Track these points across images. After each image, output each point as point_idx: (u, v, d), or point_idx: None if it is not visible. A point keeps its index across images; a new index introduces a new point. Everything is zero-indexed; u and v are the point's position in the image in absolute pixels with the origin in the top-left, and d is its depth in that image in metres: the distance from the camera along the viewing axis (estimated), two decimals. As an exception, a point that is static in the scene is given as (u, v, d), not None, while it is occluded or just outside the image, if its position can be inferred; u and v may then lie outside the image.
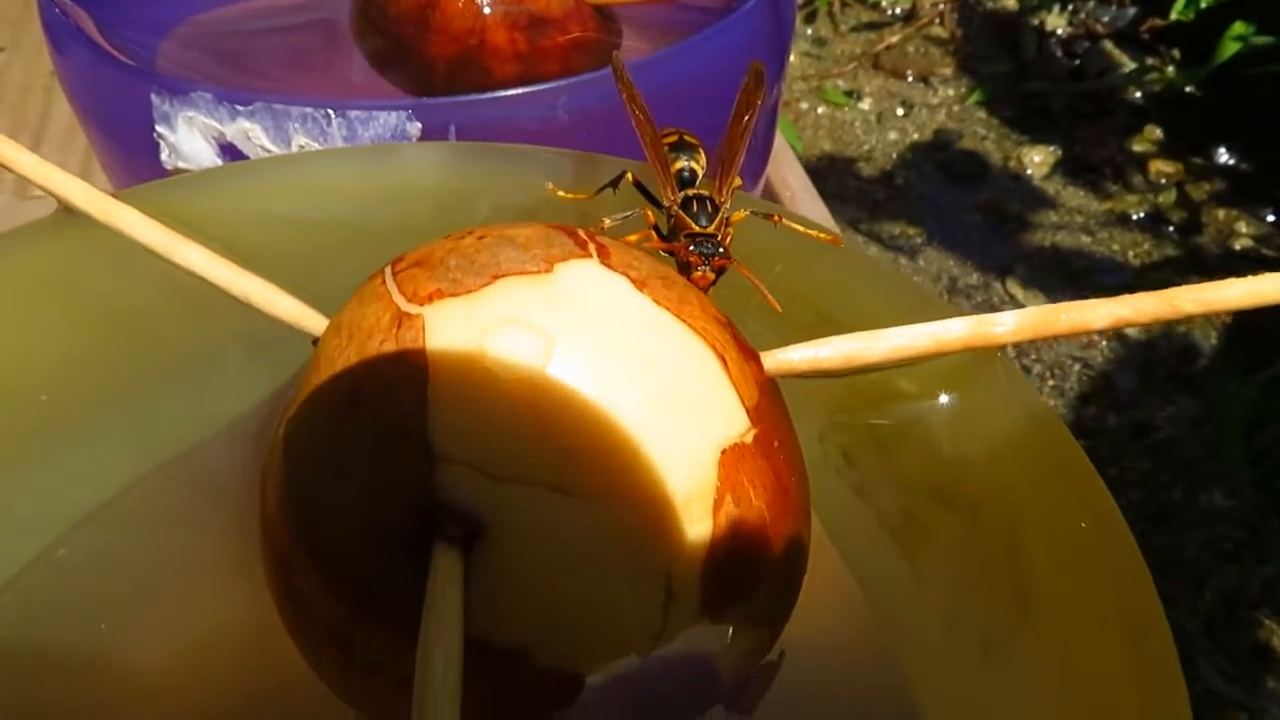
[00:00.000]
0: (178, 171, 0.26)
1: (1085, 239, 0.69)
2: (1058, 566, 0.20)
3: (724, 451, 0.15)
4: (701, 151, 0.21)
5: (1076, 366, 0.59)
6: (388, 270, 0.16)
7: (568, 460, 0.14)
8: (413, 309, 0.15)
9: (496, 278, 0.15)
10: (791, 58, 0.88)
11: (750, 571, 0.16)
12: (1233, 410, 0.52)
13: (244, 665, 0.19)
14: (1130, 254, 0.66)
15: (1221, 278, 0.18)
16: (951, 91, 0.84)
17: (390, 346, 0.15)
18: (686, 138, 0.21)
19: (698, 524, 0.15)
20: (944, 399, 0.20)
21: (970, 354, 0.19)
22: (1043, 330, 0.18)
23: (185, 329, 0.22)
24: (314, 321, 0.19)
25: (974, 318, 0.18)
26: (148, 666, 0.19)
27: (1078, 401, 0.59)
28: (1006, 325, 0.18)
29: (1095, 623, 0.19)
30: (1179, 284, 0.18)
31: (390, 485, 0.14)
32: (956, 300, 0.65)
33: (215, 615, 0.19)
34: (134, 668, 0.19)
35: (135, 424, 0.21)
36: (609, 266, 0.16)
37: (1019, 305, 0.65)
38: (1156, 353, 0.58)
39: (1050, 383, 0.60)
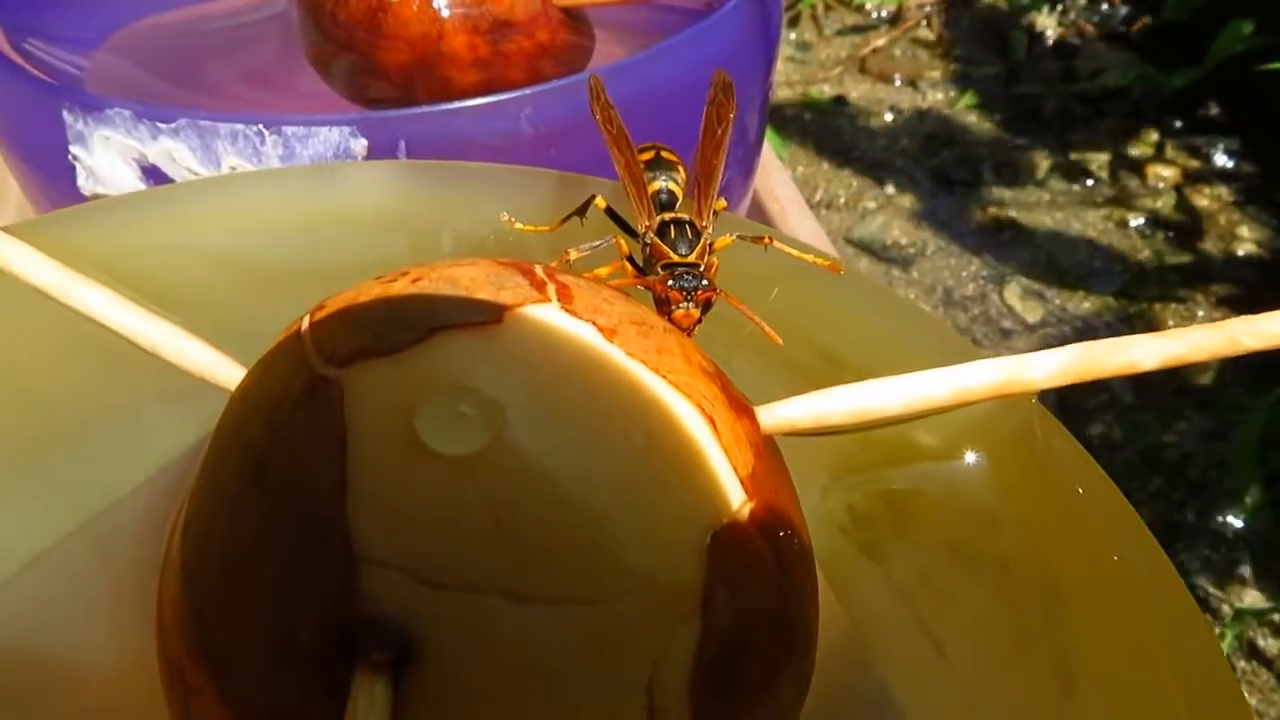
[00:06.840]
0: (96, 198, 0.23)
1: (1083, 245, 0.67)
2: (1105, 637, 0.18)
3: (714, 534, 0.12)
4: (681, 168, 0.19)
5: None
6: (305, 320, 0.13)
7: (522, 559, 0.11)
8: (330, 371, 0.12)
9: (433, 331, 0.12)
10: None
11: (749, 674, 0.13)
12: (1247, 428, 0.50)
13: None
14: (1131, 260, 0.64)
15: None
16: (941, 95, 0.82)
17: (302, 419, 0.12)
18: (664, 153, 0.19)
19: (684, 624, 0.12)
20: (970, 453, 0.17)
21: (1000, 401, 0.16)
22: (1085, 373, 0.15)
23: (95, 384, 0.19)
24: (232, 375, 0.16)
25: (1006, 360, 0.15)
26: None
27: (1083, 416, 0.57)
28: (1044, 369, 0.15)
29: (1153, 701, 0.17)
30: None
31: (301, 594, 0.11)
32: (952, 314, 0.63)
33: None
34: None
35: (37, 495, 0.18)
36: (572, 312, 0.13)
37: (1017, 317, 0.63)
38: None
39: (1053, 395, 0.57)
